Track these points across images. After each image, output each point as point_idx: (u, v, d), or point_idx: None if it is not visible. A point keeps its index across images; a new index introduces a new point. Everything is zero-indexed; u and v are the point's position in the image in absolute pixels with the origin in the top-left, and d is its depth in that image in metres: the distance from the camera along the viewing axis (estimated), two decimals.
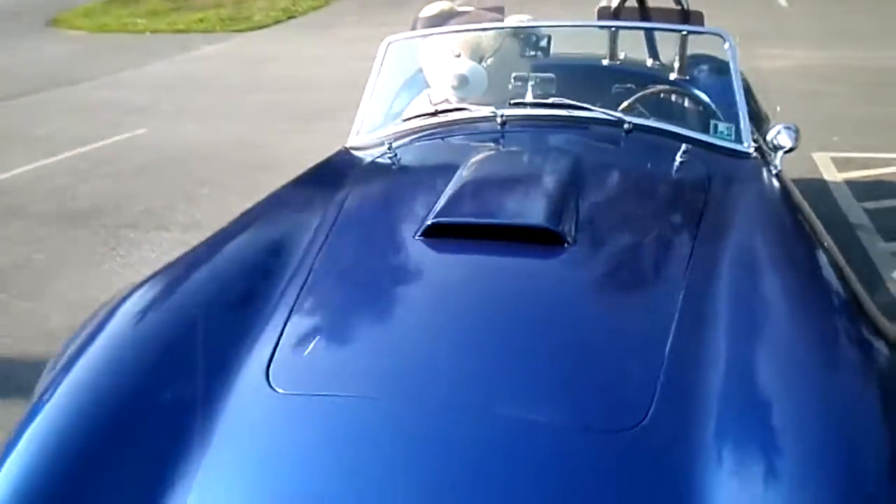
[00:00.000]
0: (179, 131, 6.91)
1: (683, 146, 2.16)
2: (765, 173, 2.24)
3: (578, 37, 3.25)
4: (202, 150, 6.28)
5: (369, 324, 1.57)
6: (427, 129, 2.50)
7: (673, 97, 2.81)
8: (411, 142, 2.44)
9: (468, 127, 2.48)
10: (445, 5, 3.03)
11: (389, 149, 2.31)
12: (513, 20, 3.02)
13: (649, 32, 3.26)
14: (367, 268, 1.78)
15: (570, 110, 2.36)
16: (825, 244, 1.85)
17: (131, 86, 9.16)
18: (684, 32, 2.74)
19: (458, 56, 2.80)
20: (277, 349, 1.44)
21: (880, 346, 1.45)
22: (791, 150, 2.27)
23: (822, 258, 1.77)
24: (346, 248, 1.81)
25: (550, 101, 2.38)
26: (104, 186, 5.41)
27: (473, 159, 2.09)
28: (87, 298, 3.70)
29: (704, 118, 2.58)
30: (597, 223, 1.78)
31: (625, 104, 2.52)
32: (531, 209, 1.83)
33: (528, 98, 2.45)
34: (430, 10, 3.04)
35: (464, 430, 1.25)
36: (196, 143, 6.50)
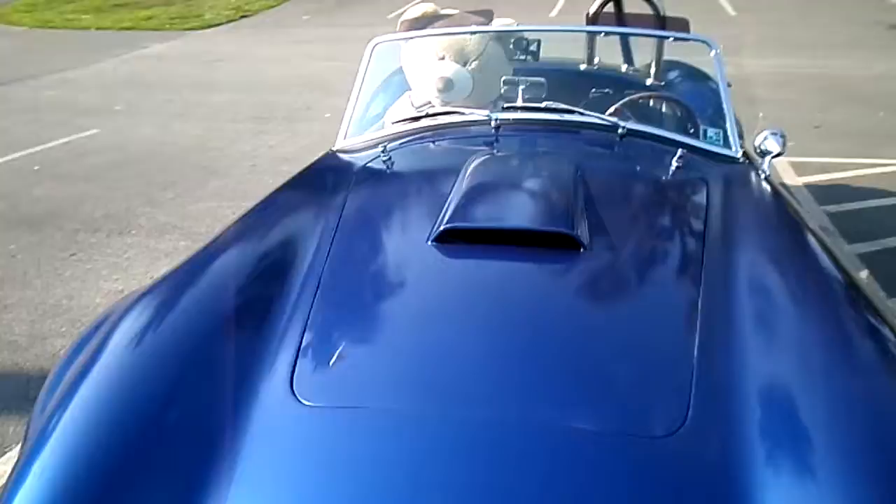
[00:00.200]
0: (134, 132, 6.72)
1: (679, 151, 2.18)
2: (755, 177, 2.27)
3: (555, 41, 3.24)
4: (159, 150, 6.12)
5: (391, 332, 1.53)
6: (419, 132, 2.46)
7: (661, 102, 2.83)
8: (404, 145, 2.40)
9: (461, 130, 2.45)
10: (429, 7, 3.00)
11: (384, 152, 2.26)
12: (497, 24, 3.00)
13: (625, 38, 3.28)
14: (382, 274, 1.74)
15: (566, 115, 2.35)
16: (826, 244, 1.88)
17: (79, 84, 8.88)
18: (671, 39, 2.76)
19: (443, 59, 2.77)
20: (299, 359, 1.39)
21: None
22: (779, 154, 2.31)
23: (827, 257, 1.80)
24: (355, 255, 1.77)
25: (546, 105, 2.37)
26: (59, 190, 5.21)
27: (474, 163, 2.06)
28: (51, 307, 3.58)
29: (693, 123, 2.61)
30: (607, 227, 1.77)
31: (612, 108, 2.52)
32: (544, 214, 1.82)
33: (520, 102, 2.43)
34: (413, 13, 3.00)
35: (501, 442, 1.21)
36: (152, 144, 6.34)
